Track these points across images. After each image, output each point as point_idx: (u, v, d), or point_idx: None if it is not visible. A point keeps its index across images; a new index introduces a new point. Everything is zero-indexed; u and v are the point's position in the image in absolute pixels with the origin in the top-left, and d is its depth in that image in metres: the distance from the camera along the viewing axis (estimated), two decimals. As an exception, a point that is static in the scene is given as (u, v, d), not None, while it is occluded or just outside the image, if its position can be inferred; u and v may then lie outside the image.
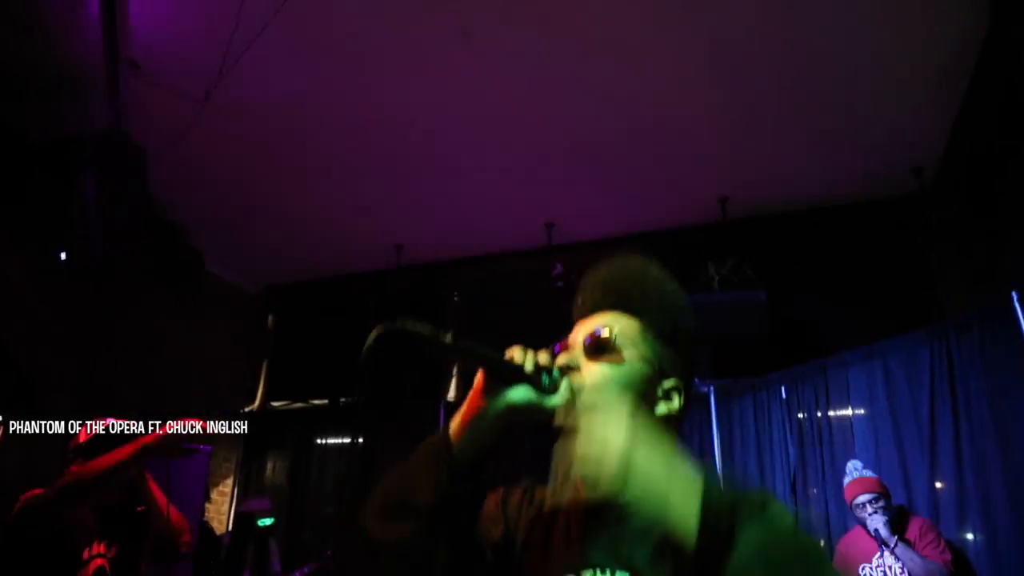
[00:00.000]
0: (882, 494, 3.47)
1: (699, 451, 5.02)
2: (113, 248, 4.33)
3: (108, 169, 3.91)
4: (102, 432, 2.67)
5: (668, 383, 1.08)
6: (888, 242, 4.78)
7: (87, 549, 2.61)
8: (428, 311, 6.37)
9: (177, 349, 5.80)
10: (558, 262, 5.63)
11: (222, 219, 5.62)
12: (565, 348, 1.10)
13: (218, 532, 5.78)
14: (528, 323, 6.07)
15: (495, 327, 6.24)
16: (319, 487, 6.46)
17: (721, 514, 0.82)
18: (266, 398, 6.93)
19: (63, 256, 4.17)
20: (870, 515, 3.41)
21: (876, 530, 3.33)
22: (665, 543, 0.86)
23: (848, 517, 3.91)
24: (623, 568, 0.99)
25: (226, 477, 6.40)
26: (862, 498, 3.47)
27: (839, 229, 4.97)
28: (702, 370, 5.27)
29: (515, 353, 1.02)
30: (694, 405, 5.10)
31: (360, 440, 6.44)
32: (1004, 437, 3.32)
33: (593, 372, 1.05)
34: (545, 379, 1.00)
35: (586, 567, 1.01)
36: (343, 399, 6.58)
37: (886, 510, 3.40)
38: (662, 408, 1.07)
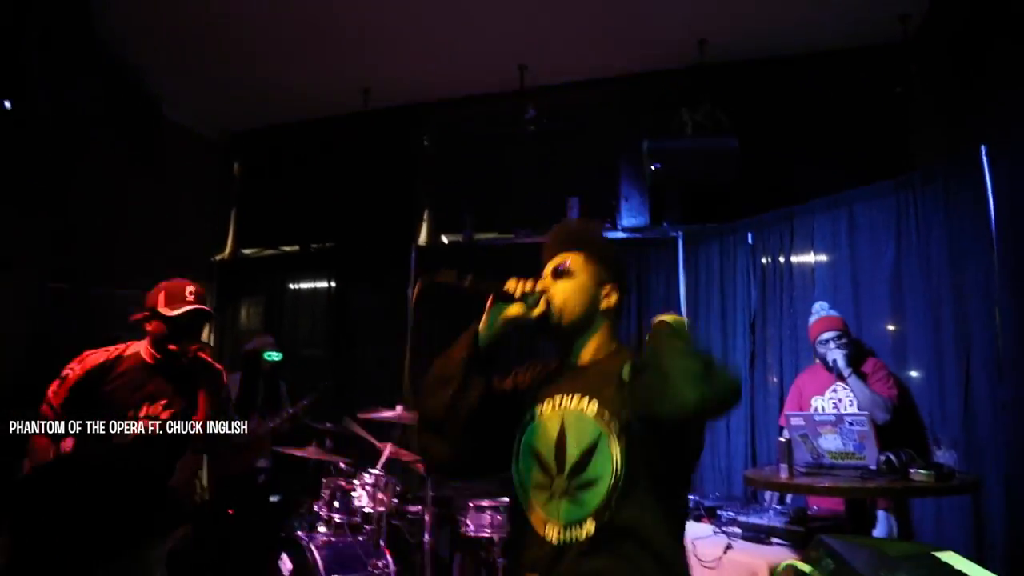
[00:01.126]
0: (844, 332, 3.63)
1: (666, 295, 5.20)
2: (59, 92, 4.14)
3: (47, 6, 3.65)
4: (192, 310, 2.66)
5: (606, 288, 1.70)
6: (868, 92, 4.72)
7: (134, 409, 2.65)
8: (397, 156, 6.26)
9: (140, 200, 5.67)
10: (531, 105, 5.50)
11: (179, 61, 5.33)
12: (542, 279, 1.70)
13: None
14: (500, 167, 6.05)
15: (467, 170, 6.19)
16: (293, 331, 6.60)
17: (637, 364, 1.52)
18: (236, 246, 6.91)
19: (7, 105, 3.99)
20: (831, 349, 3.58)
21: (835, 360, 3.51)
22: (608, 379, 1.57)
23: (801, 358, 4.15)
24: (580, 392, 1.60)
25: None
26: (826, 335, 3.63)
27: (819, 78, 4.88)
28: (671, 215, 5.35)
29: (510, 284, 1.63)
30: (662, 250, 5.26)
31: (333, 284, 6.52)
32: (958, 287, 3.47)
33: (558, 289, 1.67)
34: (529, 299, 1.63)
35: (558, 393, 1.64)
36: (314, 245, 6.60)
37: (847, 346, 3.58)
38: (604, 304, 1.69)
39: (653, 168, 4.96)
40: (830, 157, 4.62)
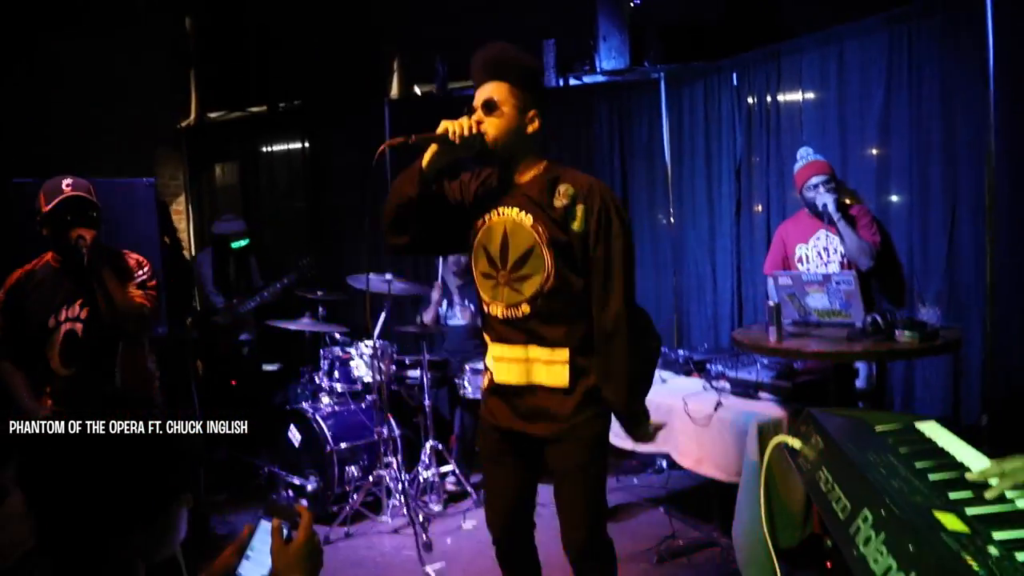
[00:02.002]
0: (832, 176, 3.57)
1: (648, 139, 5.08)
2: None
3: None
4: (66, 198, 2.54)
5: (531, 113, 2.01)
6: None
7: (54, 316, 2.63)
8: (359, 2, 5.85)
9: (88, 74, 5.32)
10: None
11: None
12: (471, 109, 2.00)
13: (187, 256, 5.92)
14: (471, 9, 5.65)
15: (436, 15, 5.80)
16: (271, 193, 6.47)
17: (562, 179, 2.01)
18: (200, 111, 6.60)
19: None
20: (821, 194, 3.52)
21: (824, 205, 3.46)
22: (542, 196, 2.00)
23: (787, 204, 4.13)
24: (518, 206, 2.00)
25: (177, 195, 6.33)
26: (815, 180, 3.55)
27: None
28: (652, 56, 5.10)
29: (449, 128, 1.92)
30: (644, 94, 5.07)
31: (306, 144, 6.31)
32: (949, 128, 3.39)
33: (491, 123, 1.97)
34: (466, 137, 1.92)
35: (502, 205, 2.04)
36: (282, 104, 6.31)
37: (835, 191, 3.53)
38: (530, 129, 2.02)
39: (633, 4, 4.68)
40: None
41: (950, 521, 1.21)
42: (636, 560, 3.37)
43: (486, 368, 2.17)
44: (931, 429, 1.82)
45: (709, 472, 3.18)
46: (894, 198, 3.76)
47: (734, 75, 4.55)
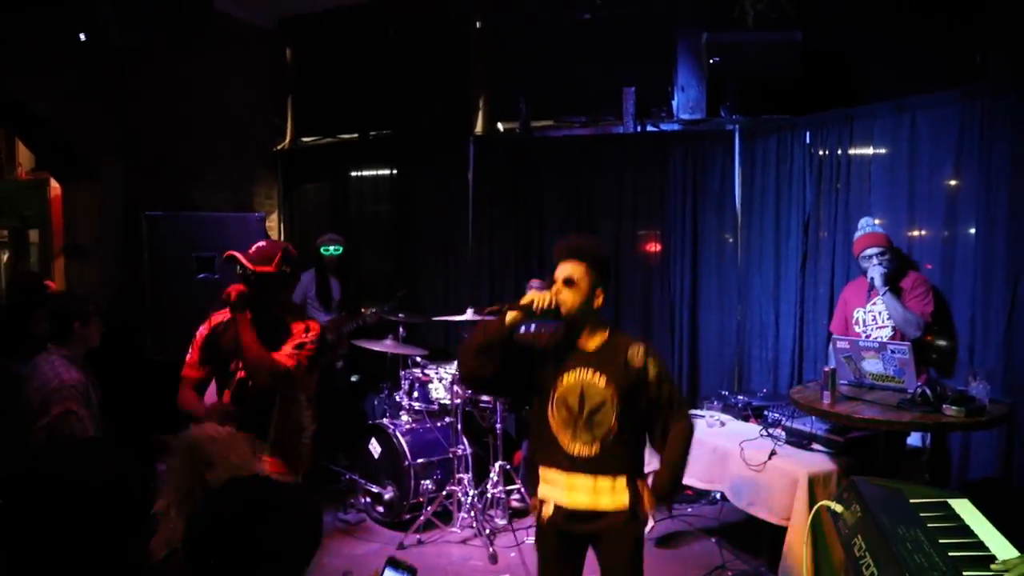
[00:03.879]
0: (887, 248, 3.78)
1: (719, 191, 5.29)
2: (127, 21, 4.33)
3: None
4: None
5: (598, 291, 2.46)
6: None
7: (235, 362, 2.91)
8: (452, 40, 6.24)
9: (200, 97, 5.85)
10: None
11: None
12: (553, 282, 2.48)
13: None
14: (556, 54, 5.96)
15: (522, 57, 6.12)
16: (360, 217, 6.90)
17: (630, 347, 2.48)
18: (296, 135, 7.09)
19: (82, 37, 4.20)
20: (873, 266, 3.75)
21: (872, 279, 3.71)
22: (612, 360, 2.45)
23: (851, 264, 4.31)
24: (592, 367, 2.44)
25: (270, 213, 6.84)
26: (869, 251, 3.79)
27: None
28: (728, 105, 5.30)
29: (533, 298, 2.42)
30: (718, 144, 5.28)
31: (394, 172, 6.73)
32: (1017, 204, 3.54)
33: (569, 295, 2.43)
34: (548, 310, 2.40)
35: (576, 367, 2.45)
36: (372, 132, 6.74)
37: (888, 263, 3.74)
38: (597, 302, 2.47)
39: (712, 62, 4.91)
40: (896, 58, 4.49)
41: (958, 597, 1.47)
42: (687, 590, 3.61)
43: (543, 498, 2.51)
44: (962, 507, 2.05)
45: (760, 514, 3.41)
46: (956, 271, 3.90)
47: (807, 133, 4.75)
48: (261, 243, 2.97)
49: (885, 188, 4.26)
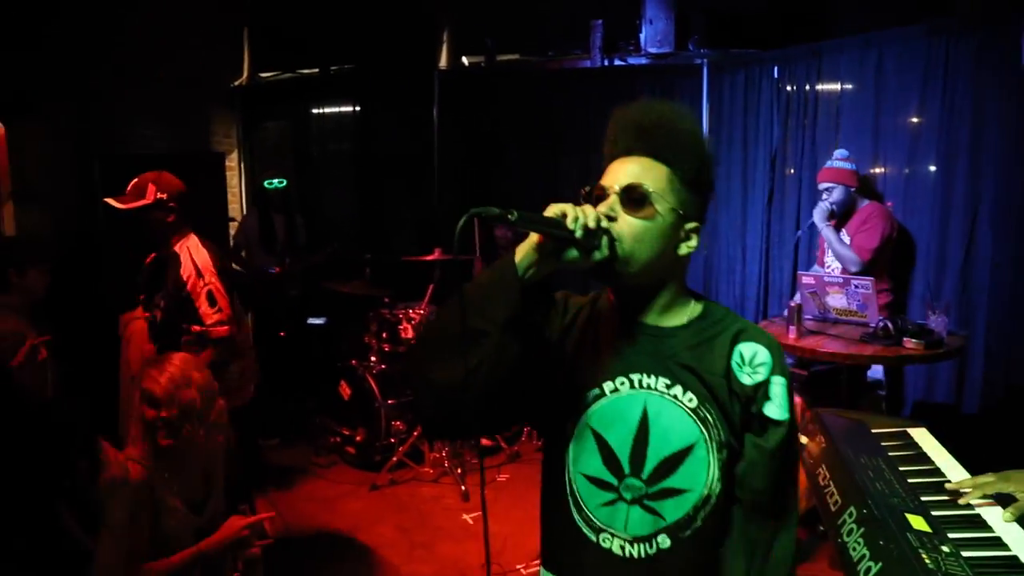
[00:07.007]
0: (837, 184, 3.71)
1: (688, 125, 5.24)
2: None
3: None
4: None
5: (690, 226, 1.23)
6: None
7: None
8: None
9: (149, 31, 5.58)
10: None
11: None
12: (601, 192, 1.23)
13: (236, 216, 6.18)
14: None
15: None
16: (322, 155, 6.75)
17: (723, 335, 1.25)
18: (253, 70, 6.84)
19: None
20: (820, 200, 3.76)
21: (812, 213, 3.75)
22: (710, 365, 1.22)
23: (818, 199, 4.33)
24: (670, 375, 1.23)
25: (229, 152, 6.63)
26: (820, 185, 3.80)
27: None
28: (696, 39, 5.22)
29: (567, 213, 1.12)
30: (686, 78, 5.23)
31: (357, 108, 6.56)
32: (977, 141, 3.57)
33: (630, 225, 1.18)
34: (591, 241, 1.14)
35: (633, 371, 1.24)
36: (333, 67, 6.53)
37: (837, 200, 3.70)
38: (683, 249, 1.23)
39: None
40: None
41: (917, 521, 1.52)
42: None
43: None
44: (920, 436, 2.12)
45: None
46: (917, 204, 3.95)
47: (775, 68, 4.71)
48: (134, 179, 2.88)
49: (852, 124, 4.26)
